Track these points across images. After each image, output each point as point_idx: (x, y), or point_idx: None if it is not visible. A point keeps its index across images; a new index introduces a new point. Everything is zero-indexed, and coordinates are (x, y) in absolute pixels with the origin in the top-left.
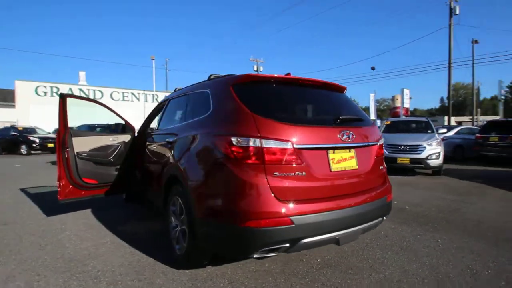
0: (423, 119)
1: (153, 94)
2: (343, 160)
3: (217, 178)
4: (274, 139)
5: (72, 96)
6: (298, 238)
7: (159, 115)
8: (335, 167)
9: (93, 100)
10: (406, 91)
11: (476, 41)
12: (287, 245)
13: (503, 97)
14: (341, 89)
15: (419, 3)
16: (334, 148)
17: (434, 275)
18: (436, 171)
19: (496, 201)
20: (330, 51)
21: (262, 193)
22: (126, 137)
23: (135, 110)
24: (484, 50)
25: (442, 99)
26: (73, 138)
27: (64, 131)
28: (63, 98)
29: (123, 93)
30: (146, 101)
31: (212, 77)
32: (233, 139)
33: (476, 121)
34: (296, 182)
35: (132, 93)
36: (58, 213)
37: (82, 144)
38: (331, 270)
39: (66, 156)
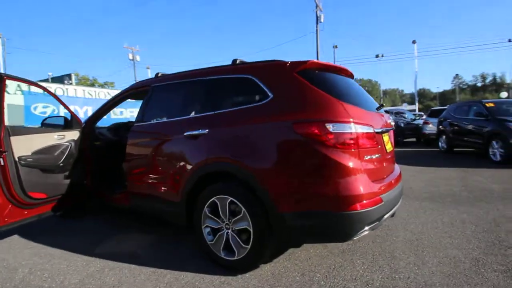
0: None
1: None
2: (387, 143)
3: (310, 167)
4: (362, 124)
5: (13, 78)
6: (383, 214)
7: (143, 106)
8: (386, 148)
9: (39, 85)
10: None
11: (336, 46)
12: (377, 222)
13: None
14: (353, 76)
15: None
16: (384, 132)
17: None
18: None
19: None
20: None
21: (361, 176)
22: (74, 134)
23: None
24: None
25: None
26: (12, 138)
27: None
28: (0, 79)
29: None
30: None
31: (238, 61)
32: (329, 126)
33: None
34: (376, 163)
35: None
36: None
37: (23, 146)
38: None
39: (2, 163)
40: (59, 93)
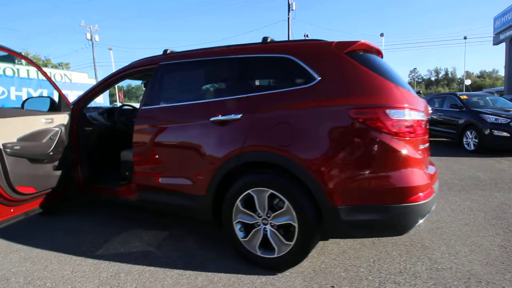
0: None
1: None
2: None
3: (368, 157)
4: (417, 111)
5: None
6: (433, 205)
7: (150, 86)
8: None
9: (24, 57)
10: None
11: (307, 35)
12: (428, 215)
13: None
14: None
15: None
16: (427, 120)
17: None
18: None
19: None
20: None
21: (419, 166)
22: (63, 118)
23: None
24: None
25: None
26: None
27: None
28: None
29: None
30: None
31: (269, 40)
32: (389, 112)
33: None
34: (425, 152)
35: None
36: None
37: (6, 131)
38: None
39: None
40: (8, 73)
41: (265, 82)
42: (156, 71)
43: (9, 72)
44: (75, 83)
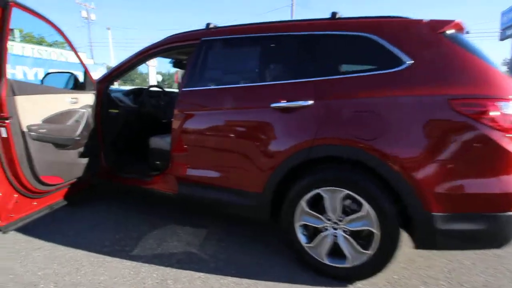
0: None
1: None
2: None
3: (475, 157)
4: None
5: (23, 7)
6: None
7: (192, 65)
8: None
9: (50, 22)
10: None
11: None
12: None
13: None
14: None
15: None
16: None
17: None
18: None
19: None
20: None
21: None
22: (89, 98)
23: None
24: None
25: None
26: (17, 98)
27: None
28: (5, 6)
29: None
30: None
31: (337, 15)
32: (502, 105)
33: None
34: None
35: None
36: None
37: (31, 110)
38: None
39: (6, 134)
40: None
41: (341, 64)
42: (199, 48)
43: None
44: (71, 62)
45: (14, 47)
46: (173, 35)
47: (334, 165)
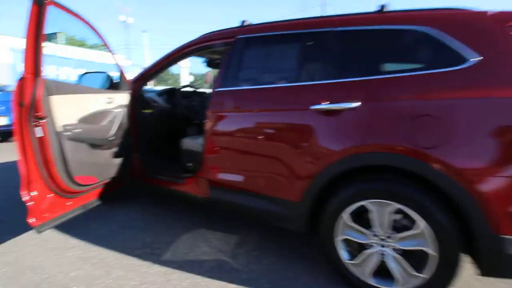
0: None
1: None
2: None
3: None
4: None
5: (58, 4)
6: None
7: (226, 64)
8: None
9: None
10: None
11: None
12: None
13: None
14: None
15: None
16: None
17: None
18: None
19: None
20: None
21: None
22: (123, 98)
23: None
24: None
25: None
26: (52, 98)
27: (35, 80)
28: (40, 4)
29: None
30: None
31: (385, 9)
32: None
33: None
34: None
35: None
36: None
37: (66, 110)
38: None
39: (42, 133)
40: (49, 52)
41: (388, 62)
42: (234, 46)
43: (48, 51)
44: (110, 64)
45: (58, 49)
46: (206, 33)
47: (383, 175)
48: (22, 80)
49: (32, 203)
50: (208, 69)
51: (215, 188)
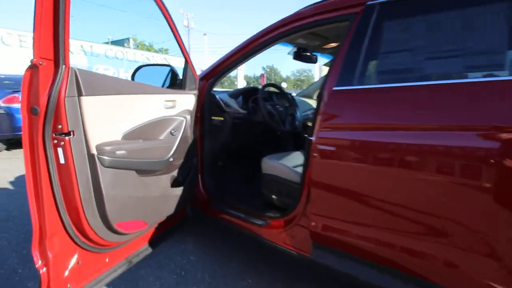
0: None
1: None
2: None
3: None
4: None
5: None
6: None
7: (348, 50)
8: None
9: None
10: None
11: None
12: None
13: None
14: None
15: None
16: None
17: None
18: None
19: None
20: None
21: None
22: (188, 101)
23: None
24: None
25: None
26: (85, 100)
27: (57, 70)
28: None
29: (19, 36)
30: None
31: None
32: None
33: None
34: None
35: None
36: None
37: (105, 121)
38: None
39: (63, 160)
40: (119, 56)
41: None
42: (362, 21)
43: (119, 55)
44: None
45: (128, 53)
46: (307, 6)
47: None
48: (32, 70)
49: (45, 269)
50: (263, 71)
51: (322, 249)
